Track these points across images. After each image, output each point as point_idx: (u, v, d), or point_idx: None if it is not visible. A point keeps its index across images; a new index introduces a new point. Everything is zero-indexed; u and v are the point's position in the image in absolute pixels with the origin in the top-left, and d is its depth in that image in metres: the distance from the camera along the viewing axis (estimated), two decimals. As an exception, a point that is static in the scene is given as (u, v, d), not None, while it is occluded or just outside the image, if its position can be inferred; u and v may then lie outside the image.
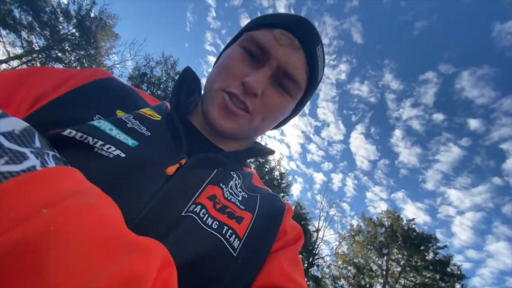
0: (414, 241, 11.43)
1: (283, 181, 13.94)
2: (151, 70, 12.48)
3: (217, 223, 0.36)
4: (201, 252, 0.33)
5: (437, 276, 10.62)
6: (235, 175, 0.46)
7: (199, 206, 0.35)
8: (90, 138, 0.32)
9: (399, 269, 11.40)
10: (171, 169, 0.35)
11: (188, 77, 0.52)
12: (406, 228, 11.96)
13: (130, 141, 0.36)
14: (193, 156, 0.40)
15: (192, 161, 0.39)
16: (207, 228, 0.34)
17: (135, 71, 12.29)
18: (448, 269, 10.67)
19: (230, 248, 0.35)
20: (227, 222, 0.37)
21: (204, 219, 0.35)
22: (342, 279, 11.32)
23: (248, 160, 0.59)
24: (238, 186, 0.46)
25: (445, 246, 11.37)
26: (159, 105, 0.49)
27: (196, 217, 0.34)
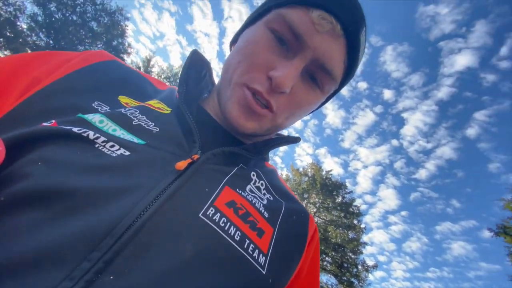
0: (329, 188, 13.58)
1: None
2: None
3: (240, 234, 0.31)
4: (224, 269, 0.28)
5: (342, 214, 13.13)
6: (255, 175, 0.41)
7: (218, 214, 0.31)
8: (90, 133, 0.29)
9: (315, 210, 13.59)
10: (181, 164, 0.30)
11: (196, 62, 0.44)
12: (324, 177, 13.99)
13: (136, 141, 0.32)
14: (208, 150, 0.35)
15: (206, 156, 0.34)
16: (229, 240, 0.30)
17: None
18: (350, 209, 13.26)
19: (257, 265, 0.30)
20: (248, 235, 0.32)
21: (226, 228, 0.30)
22: (268, 220, 12.90)
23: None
24: (263, 188, 0.41)
25: (351, 192, 13.93)
26: (169, 93, 0.44)
27: (215, 227, 0.29)
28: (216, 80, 0.49)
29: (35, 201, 0.23)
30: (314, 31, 0.34)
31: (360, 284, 11.25)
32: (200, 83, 0.46)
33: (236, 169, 0.38)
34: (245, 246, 0.30)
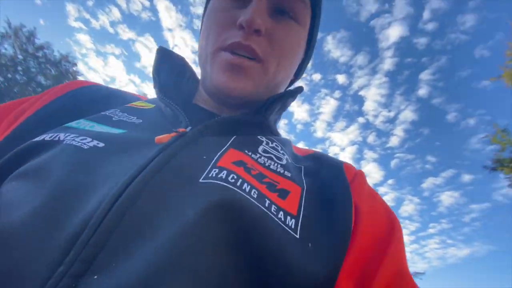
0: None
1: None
2: (-5, 47, 8.99)
3: (256, 192, 0.24)
4: (242, 229, 0.21)
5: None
6: (265, 138, 0.35)
7: (225, 171, 0.25)
8: (61, 134, 0.27)
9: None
10: (162, 137, 0.27)
11: (166, 57, 0.42)
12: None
13: (114, 131, 0.29)
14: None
15: (198, 129, 0.29)
16: (244, 194, 0.23)
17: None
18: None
19: (285, 227, 0.23)
20: (268, 195, 0.25)
21: (238, 184, 0.24)
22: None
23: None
24: (279, 149, 0.35)
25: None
26: (152, 98, 0.43)
27: (223, 183, 0.23)
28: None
29: None
30: None
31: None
32: (182, 81, 0.43)
33: (235, 136, 0.32)
34: (266, 205, 0.24)
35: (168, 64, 0.42)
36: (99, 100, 0.38)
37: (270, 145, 0.34)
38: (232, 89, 0.34)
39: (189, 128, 0.30)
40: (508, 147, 6.06)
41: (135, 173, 0.22)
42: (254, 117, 0.35)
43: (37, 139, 0.27)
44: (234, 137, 0.32)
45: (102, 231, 0.19)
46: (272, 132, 0.39)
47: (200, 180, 0.24)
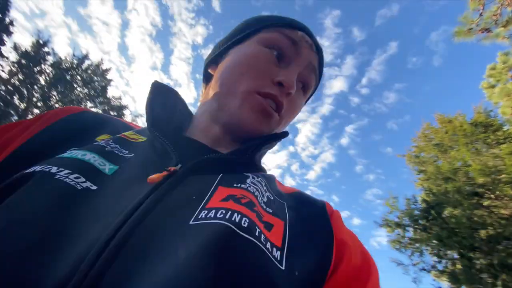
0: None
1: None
2: None
3: (248, 220, 0.25)
4: (230, 261, 0.22)
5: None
6: (250, 174, 0.36)
7: (213, 210, 0.26)
8: (54, 168, 0.27)
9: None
10: (154, 177, 0.28)
11: (160, 91, 0.43)
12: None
13: (107, 167, 0.30)
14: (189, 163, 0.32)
15: (187, 167, 0.31)
16: (233, 227, 0.24)
17: None
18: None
19: (272, 258, 0.24)
20: (257, 223, 0.26)
21: (227, 217, 0.25)
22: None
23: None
24: (263, 184, 0.36)
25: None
26: (144, 128, 0.42)
27: (212, 221, 0.24)
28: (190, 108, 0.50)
29: None
30: (304, 42, 0.42)
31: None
32: (174, 114, 0.43)
33: (222, 174, 0.33)
34: (256, 234, 0.24)
35: (161, 98, 0.42)
36: (91, 127, 0.38)
37: (256, 179, 0.35)
38: (254, 129, 0.38)
39: (179, 166, 0.30)
40: (394, 211, 7.85)
41: (128, 215, 0.23)
42: (241, 157, 0.37)
43: (28, 170, 0.26)
44: (221, 175, 0.33)
45: (92, 275, 0.19)
46: (257, 169, 0.40)
47: (190, 223, 0.24)
